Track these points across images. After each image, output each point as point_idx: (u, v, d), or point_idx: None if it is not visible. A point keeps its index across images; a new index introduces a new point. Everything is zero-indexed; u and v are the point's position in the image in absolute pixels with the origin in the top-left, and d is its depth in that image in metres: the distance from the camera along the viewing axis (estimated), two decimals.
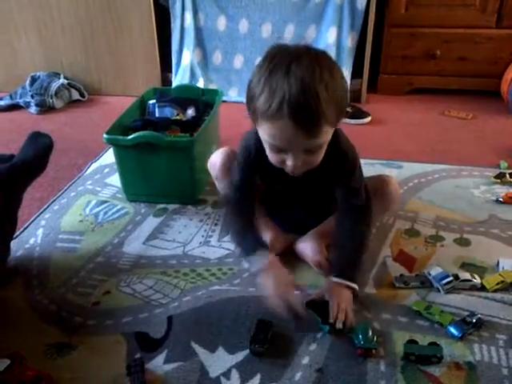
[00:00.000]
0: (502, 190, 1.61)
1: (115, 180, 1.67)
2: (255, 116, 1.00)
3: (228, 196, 1.26)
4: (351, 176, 1.16)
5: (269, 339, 1.02)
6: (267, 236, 1.30)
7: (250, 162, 1.16)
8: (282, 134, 0.97)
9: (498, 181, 1.66)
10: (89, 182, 1.71)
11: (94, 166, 1.83)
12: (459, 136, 2.09)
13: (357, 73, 2.42)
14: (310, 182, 1.17)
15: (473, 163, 1.82)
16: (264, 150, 1.07)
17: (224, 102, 1.87)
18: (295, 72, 0.91)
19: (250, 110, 1.01)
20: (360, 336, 1.01)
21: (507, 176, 1.67)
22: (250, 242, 1.17)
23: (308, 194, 1.30)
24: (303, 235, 1.32)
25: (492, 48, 2.36)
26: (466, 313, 1.09)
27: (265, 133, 1.01)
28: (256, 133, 1.07)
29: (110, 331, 1.08)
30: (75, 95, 2.52)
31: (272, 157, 1.06)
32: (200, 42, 2.51)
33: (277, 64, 0.94)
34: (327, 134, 1.01)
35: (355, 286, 1.11)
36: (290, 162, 1.02)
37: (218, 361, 1.00)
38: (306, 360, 1.00)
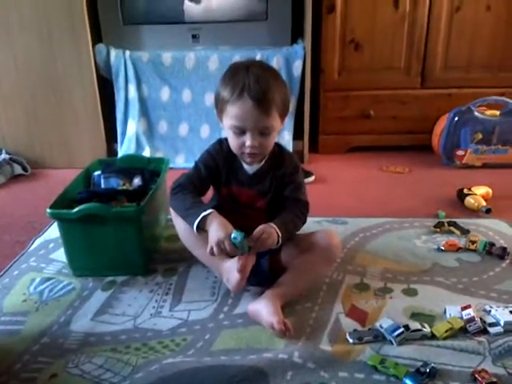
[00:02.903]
0: (442, 239, 1.68)
1: (61, 255, 1.61)
2: (222, 107, 1.29)
3: (179, 182, 1.40)
4: (297, 172, 1.41)
5: None
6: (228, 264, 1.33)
7: (219, 152, 1.39)
8: (242, 111, 1.24)
9: (438, 230, 1.74)
10: (33, 259, 1.65)
11: (38, 241, 1.77)
12: (398, 190, 2.20)
13: (298, 135, 2.53)
14: (263, 180, 1.39)
15: (413, 215, 1.90)
16: (230, 149, 1.34)
17: (172, 169, 1.88)
18: (252, 71, 1.25)
19: (218, 106, 1.31)
20: None
21: (445, 225, 1.75)
22: (198, 209, 1.30)
23: (260, 205, 1.42)
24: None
25: (419, 106, 2.55)
26: (420, 363, 1.11)
27: (229, 116, 1.27)
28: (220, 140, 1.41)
29: None
30: (18, 170, 2.47)
31: (233, 141, 1.30)
32: (144, 112, 2.55)
33: (237, 68, 1.30)
34: (276, 120, 1.28)
35: (280, 233, 1.27)
36: (248, 142, 1.27)
37: None
38: None
